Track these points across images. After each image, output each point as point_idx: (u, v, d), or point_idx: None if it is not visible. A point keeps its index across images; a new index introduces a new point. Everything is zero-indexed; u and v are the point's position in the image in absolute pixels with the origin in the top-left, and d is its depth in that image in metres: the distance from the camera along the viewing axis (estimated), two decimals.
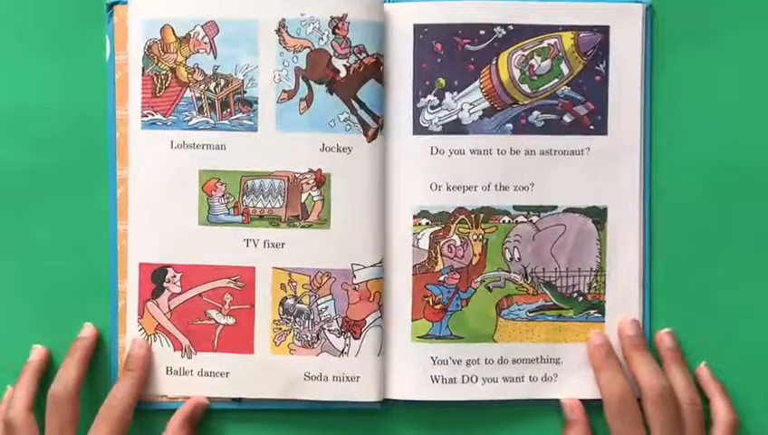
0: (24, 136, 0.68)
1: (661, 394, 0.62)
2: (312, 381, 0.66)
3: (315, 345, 0.66)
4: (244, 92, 0.66)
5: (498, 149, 0.67)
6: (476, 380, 0.66)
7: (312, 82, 0.66)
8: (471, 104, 0.67)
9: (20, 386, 0.65)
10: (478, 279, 0.67)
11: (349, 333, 0.66)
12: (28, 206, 0.68)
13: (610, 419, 0.63)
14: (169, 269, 0.66)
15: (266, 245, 0.66)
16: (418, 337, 0.67)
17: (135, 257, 0.67)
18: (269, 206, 0.66)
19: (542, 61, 0.67)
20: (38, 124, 0.68)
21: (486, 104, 0.67)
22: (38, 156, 0.68)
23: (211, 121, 0.66)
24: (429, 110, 0.67)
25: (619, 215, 0.67)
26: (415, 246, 0.67)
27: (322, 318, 0.66)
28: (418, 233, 0.67)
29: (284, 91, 0.66)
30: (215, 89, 0.66)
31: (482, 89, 0.67)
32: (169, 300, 0.66)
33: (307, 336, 0.66)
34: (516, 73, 0.67)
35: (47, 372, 0.66)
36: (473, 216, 0.67)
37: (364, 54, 0.66)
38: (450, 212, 0.67)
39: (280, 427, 0.67)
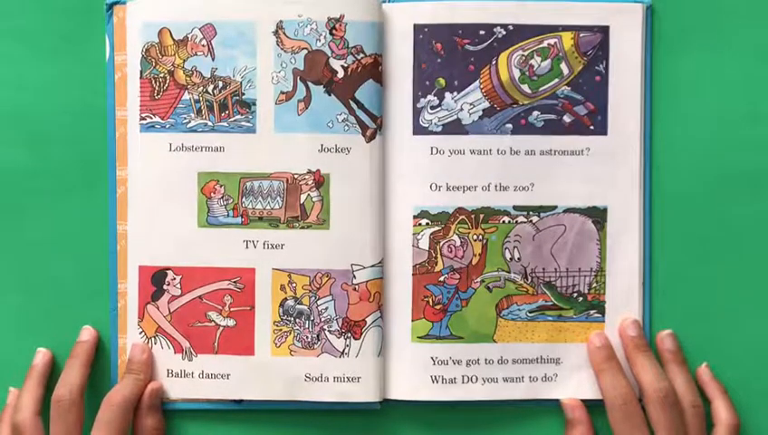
0: (24, 136, 0.68)
1: (666, 396, 0.63)
2: (313, 382, 0.66)
3: (315, 346, 0.66)
4: (243, 94, 0.66)
5: (498, 150, 0.66)
6: (476, 380, 0.67)
7: (309, 83, 0.66)
8: (471, 104, 0.66)
9: (26, 390, 0.65)
10: (478, 279, 0.67)
11: (349, 334, 0.66)
12: (28, 206, 0.68)
13: (614, 422, 0.63)
14: (169, 272, 0.66)
15: (266, 246, 0.66)
16: (418, 337, 0.67)
17: (135, 260, 0.67)
18: (268, 207, 0.66)
19: (541, 61, 0.66)
20: (38, 124, 0.68)
21: (486, 104, 0.66)
22: (38, 156, 0.68)
23: (210, 123, 0.66)
24: (429, 110, 0.66)
25: (619, 215, 0.67)
26: (415, 246, 0.67)
27: (323, 319, 0.66)
28: (418, 233, 0.67)
29: (282, 92, 0.66)
30: (213, 91, 0.66)
31: (482, 89, 0.66)
32: (169, 302, 0.67)
33: (307, 337, 0.66)
34: (516, 73, 0.66)
35: (51, 375, 0.67)
36: (473, 216, 0.67)
37: (362, 55, 0.65)
38: (450, 212, 0.67)
39: (280, 427, 0.68)
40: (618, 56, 0.66)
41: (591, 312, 0.67)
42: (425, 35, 0.66)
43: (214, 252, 0.66)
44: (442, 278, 0.67)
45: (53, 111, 0.68)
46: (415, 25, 0.66)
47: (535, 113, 0.67)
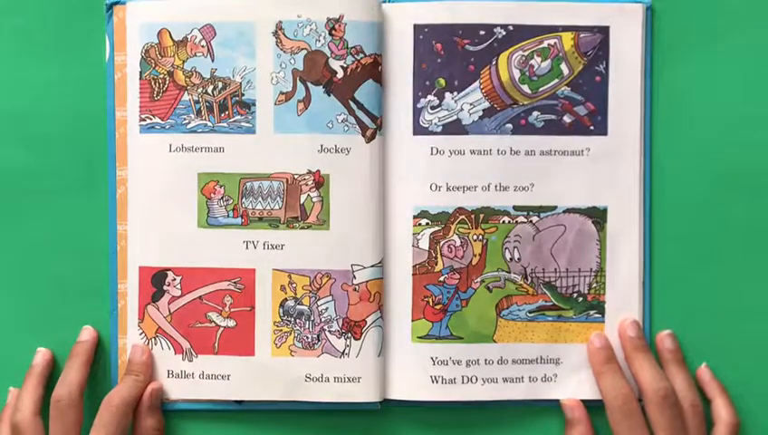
0: (25, 136, 0.68)
1: (665, 397, 0.63)
2: (313, 383, 0.66)
3: (316, 347, 0.66)
4: (242, 95, 0.66)
5: (498, 150, 0.66)
6: (476, 380, 0.67)
7: (309, 84, 0.66)
8: (471, 104, 0.66)
9: (26, 390, 0.65)
10: (478, 279, 0.67)
11: (349, 334, 0.66)
12: (28, 206, 0.68)
13: (614, 423, 0.63)
14: (169, 272, 0.67)
15: (266, 246, 0.66)
16: (418, 337, 0.67)
17: (135, 261, 0.67)
18: (268, 207, 0.66)
19: (542, 61, 0.66)
20: (38, 125, 0.68)
21: (486, 104, 0.66)
22: (38, 156, 0.68)
23: (209, 124, 0.66)
24: (429, 110, 0.66)
25: (619, 215, 0.67)
26: (415, 246, 0.67)
27: (323, 319, 0.66)
28: (418, 233, 0.67)
29: (282, 92, 0.66)
30: (213, 92, 0.66)
31: (482, 89, 0.66)
32: (170, 303, 0.67)
33: (308, 338, 0.66)
34: (516, 74, 0.66)
35: (51, 375, 0.67)
36: (473, 216, 0.67)
37: (361, 55, 0.65)
38: (450, 212, 0.67)
39: (280, 427, 0.68)
40: (618, 56, 0.66)
41: (591, 312, 0.67)
42: (425, 35, 0.66)
43: (214, 253, 0.66)
44: (442, 278, 0.67)
45: (53, 111, 0.68)
46: (415, 25, 0.66)
47: (535, 113, 0.66)
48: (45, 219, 0.68)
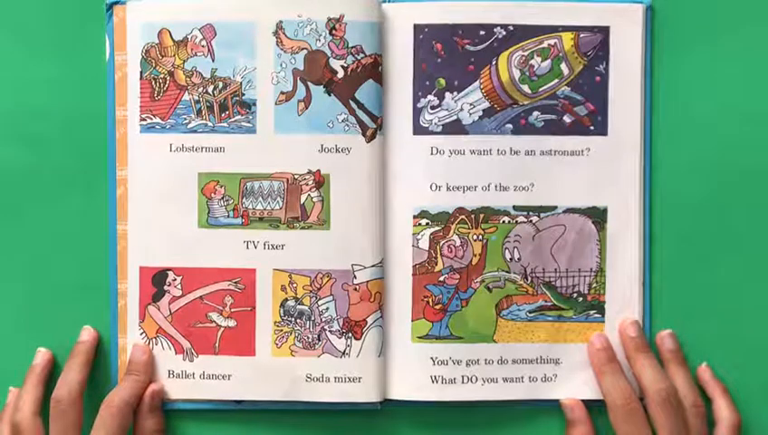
0: (24, 136, 0.68)
1: (667, 397, 0.63)
2: (314, 383, 0.66)
3: (316, 346, 0.66)
4: (243, 95, 0.66)
5: (498, 150, 0.67)
6: (476, 380, 0.67)
7: (309, 84, 0.66)
8: (471, 104, 0.66)
9: (26, 390, 0.65)
10: (478, 279, 0.67)
11: (350, 334, 0.66)
12: (28, 206, 0.68)
13: (616, 423, 0.63)
14: (170, 272, 0.67)
15: (266, 246, 0.66)
16: (418, 337, 0.67)
17: (135, 261, 0.67)
18: (268, 207, 0.66)
19: (542, 61, 0.66)
20: (38, 124, 0.68)
21: (486, 104, 0.66)
22: (38, 156, 0.68)
23: (210, 124, 0.66)
24: (429, 110, 0.66)
25: (619, 215, 0.67)
26: (415, 246, 0.67)
27: (323, 319, 0.66)
28: (418, 233, 0.67)
29: (282, 92, 0.66)
30: (213, 92, 0.66)
31: (482, 89, 0.66)
32: (170, 303, 0.67)
33: (308, 337, 0.66)
34: (516, 74, 0.66)
35: (51, 375, 0.67)
36: (473, 216, 0.67)
37: (362, 55, 0.65)
38: (450, 212, 0.67)
39: (280, 427, 0.68)
40: (618, 56, 0.66)
41: (591, 312, 0.67)
42: (425, 35, 0.66)
43: (214, 253, 0.66)
44: (442, 278, 0.67)
45: (54, 110, 0.68)
46: (415, 25, 0.66)
47: (535, 113, 0.67)
48: (45, 219, 0.68)
